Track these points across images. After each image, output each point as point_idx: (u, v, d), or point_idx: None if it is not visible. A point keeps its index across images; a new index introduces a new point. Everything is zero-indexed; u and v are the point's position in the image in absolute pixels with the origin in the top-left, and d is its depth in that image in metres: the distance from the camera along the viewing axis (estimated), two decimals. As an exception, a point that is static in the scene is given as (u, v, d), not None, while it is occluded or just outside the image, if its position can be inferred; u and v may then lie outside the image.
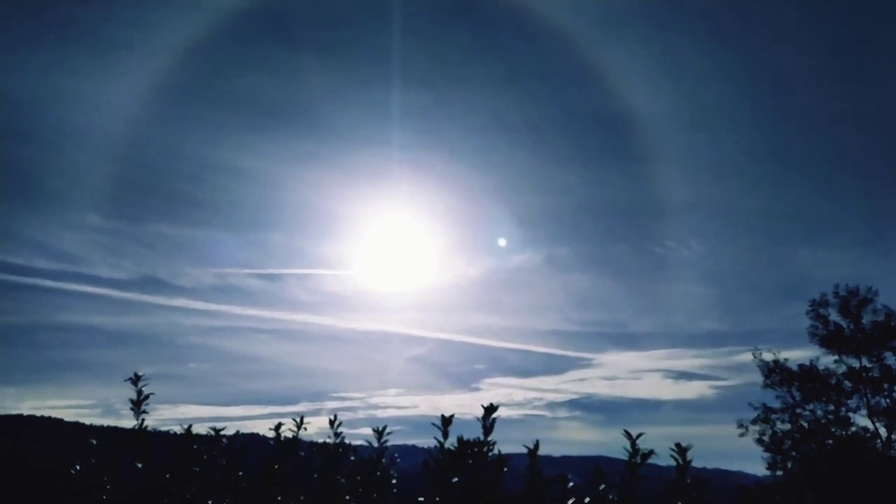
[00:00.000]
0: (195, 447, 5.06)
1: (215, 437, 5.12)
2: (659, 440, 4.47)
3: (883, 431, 31.31)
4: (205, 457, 5.02)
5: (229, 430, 5.19)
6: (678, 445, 4.43)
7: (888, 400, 31.80)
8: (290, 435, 5.15)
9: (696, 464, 4.43)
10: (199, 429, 5.20)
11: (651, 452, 4.40)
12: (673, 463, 4.41)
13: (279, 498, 4.82)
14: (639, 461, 4.37)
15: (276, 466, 4.94)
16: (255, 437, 5.37)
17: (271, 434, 5.15)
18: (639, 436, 4.38)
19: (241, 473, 4.96)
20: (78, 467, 5.05)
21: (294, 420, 5.16)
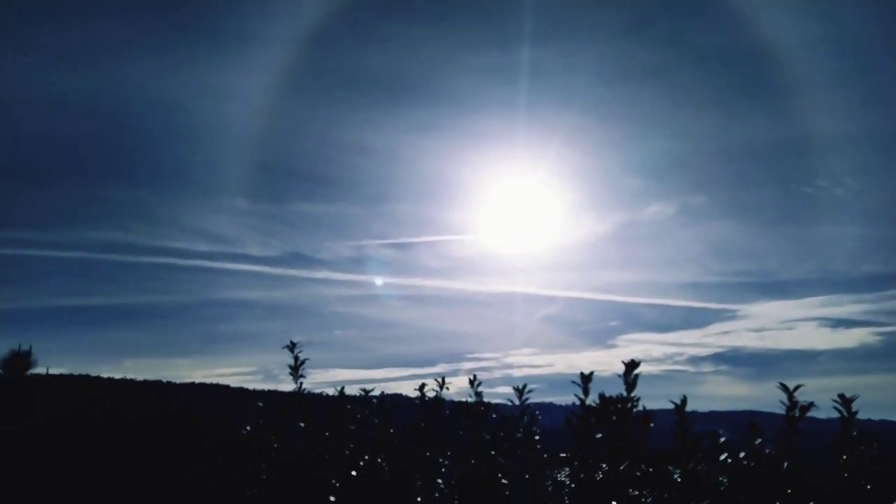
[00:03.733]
0: (348, 407, 5.41)
1: (365, 398, 5.44)
2: (817, 393, 4.19)
3: None
4: (357, 416, 5.36)
5: (376, 391, 5.49)
6: (842, 396, 4.13)
7: None
8: (432, 395, 5.37)
9: (861, 416, 4.12)
10: (349, 390, 5.55)
11: (811, 405, 4.14)
12: (833, 416, 4.12)
13: (428, 454, 5.05)
14: (797, 414, 4.12)
15: (423, 424, 5.18)
16: (399, 397, 5.64)
17: (415, 394, 5.40)
18: (797, 388, 4.13)
19: (391, 431, 5.24)
20: (248, 428, 5.57)
21: (436, 380, 5.38)
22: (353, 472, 4.93)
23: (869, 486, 4.03)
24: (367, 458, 5.03)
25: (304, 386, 5.52)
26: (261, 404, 5.51)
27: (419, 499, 4.79)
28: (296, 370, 5.49)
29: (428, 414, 5.25)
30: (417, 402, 5.36)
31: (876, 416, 4.17)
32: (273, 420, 5.54)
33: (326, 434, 5.32)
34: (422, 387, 5.35)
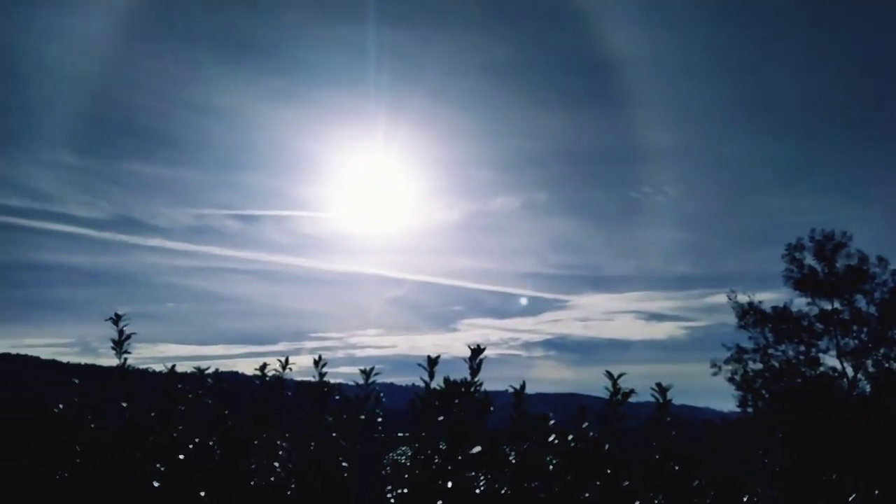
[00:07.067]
0: (180, 386, 5.04)
1: (199, 376, 5.10)
2: (630, 379, 4.55)
3: (850, 371, 32.48)
4: (189, 396, 5.01)
5: (210, 369, 5.17)
6: (659, 385, 4.51)
7: (856, 341, 32.87)
8: (274, 374, 5.16)
9: (663, 400, 4.53)
10: (181, 367, 5.17)
11: (632, 392, 4.47)
12: (643, 400, 4.51)
13: (264, 435, 4.85)
14: (620, 399, 4.44)
15: (264, 405, 4.96)
16: (235, 376, 5.36)
17: (252, 373, 5.15)
18: (620, 375, 4.45)
19: (226, 412, 4.97)
20: (61, 406, 5.02)
21: (279, 360, 5.17)
22: (181, 456, 4.61)
23: (677, 467, 4.47)
24: (197, 440, 4.72)
25: (128, 362, 5.06)
26: (77, 381, 4.97)
27: (253, 483, 4.58)
28: (119, 345, 5.02)
29: (269, 394, 5.03)
30: (257, 381, 5.12)
31: (678, 401, 4.64)
32: (91, 397, 5.02)
33: (152, 414, 4.93)
34: (263, 366, 5.12)
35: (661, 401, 4.52)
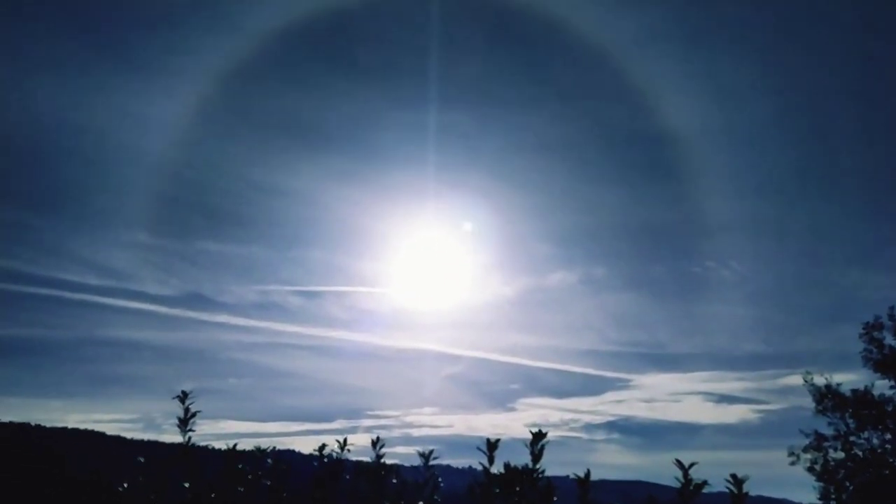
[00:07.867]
0: (240, 466, 5.06)
1: (259, 457, 5.12)
2: (699, 466, 4.31)
3: (943, 462, 29.89)
4: (249, 476, 5.02)
5: (269, 447, 5.19)
6: (734, 476, 4.25)
7: (948, 429, 30.39)
8: (331, 454, 5.14)
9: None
10: (241, 444, 5.21)
11: (705, 483, 4.24)
12: (716, 490, 4.25)
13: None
14: (692, 491, 4.21)
15: (323, 488, 4.92)
16: (292, 454, 5.37)
17: (309, 451, 5.15)
18: (692, 465, 4.23)
19: (284, 494, 4.94)
20: (126, 485, 5.09)
21: (337, 441, 5.16)
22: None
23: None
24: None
25: (191, 439, 5.13)
26: (142, 460, 5.06)
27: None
28: (185, 423, 5.11)
29: (327, 477, 4.99)
30: (314, 462, 5.10)
31: (754, 492, 4.34)
32: (154, 476, 5.09)
33: (213, 495, 4.93)
34: (322, 447, 5.11)
35: (736, 493, 4.26)
